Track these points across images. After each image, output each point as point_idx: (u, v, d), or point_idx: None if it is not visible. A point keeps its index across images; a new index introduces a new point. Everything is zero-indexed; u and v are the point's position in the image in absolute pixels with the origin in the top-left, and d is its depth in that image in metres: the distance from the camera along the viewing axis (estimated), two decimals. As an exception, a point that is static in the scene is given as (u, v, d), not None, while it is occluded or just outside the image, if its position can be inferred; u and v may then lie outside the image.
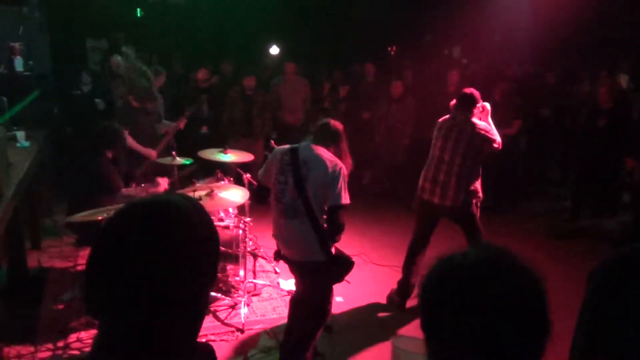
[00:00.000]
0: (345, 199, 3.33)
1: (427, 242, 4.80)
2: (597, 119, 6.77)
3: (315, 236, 3.33)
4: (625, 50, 9.19)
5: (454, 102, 4.72)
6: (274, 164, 3.50)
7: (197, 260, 1.06)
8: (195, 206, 1.12)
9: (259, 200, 3.87)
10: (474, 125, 4.52)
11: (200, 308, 1.11)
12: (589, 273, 1.65)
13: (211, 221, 1.15)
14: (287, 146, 3.54)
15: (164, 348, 1.02)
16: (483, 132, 4.51)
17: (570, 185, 8.03)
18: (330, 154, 3.42)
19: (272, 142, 4.85)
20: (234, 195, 4.63)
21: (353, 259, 3.52)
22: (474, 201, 4.62)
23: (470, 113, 4.58)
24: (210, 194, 4.45)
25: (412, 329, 4.33)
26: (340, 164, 3.38)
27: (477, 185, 4.63)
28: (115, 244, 1.02)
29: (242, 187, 4.87)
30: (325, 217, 3.38)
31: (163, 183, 4.75)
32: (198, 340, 1.15)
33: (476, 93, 4.65)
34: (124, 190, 4.56)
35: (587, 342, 1.56)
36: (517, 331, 1.03)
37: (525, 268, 1.09)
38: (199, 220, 1.10)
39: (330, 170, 3.31)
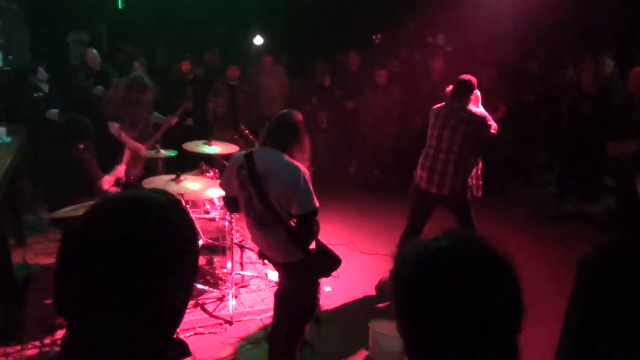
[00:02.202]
0: (311, 204, 3.12)
1: (421, 231, 4.78)
2: (580, 104, 6.80)
3: (290, 241, 3.21)
4: (611, 35, 9.21)
5: (450, 88, 4.67)
6: (231, 175, 3.32)
7: (171, 257, 1.02)
8: (170, 200, 1.08)
9: (230, 209, 3.75)
10: (471, 112, 4.49)
11: (177, 306, 1.07)
12: (578, 261, 1.64)
13: (188, 217, 1.11)
14: (241, 154, 3.33)
15: (136, 348, 0.98)
16: (481, 118, 4.49)
17: (555, 171, 8.08)
18: (288, 159, 3.18)
19: (242, 126, 4.78)
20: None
21: (340, 258, 3.42)
22: (468, 191, 4.62)
23: (466, 100, 4.54)
24: (192, 185, 4.40)
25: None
26: (301, 168, 3.14)
27: (472, 174, 4.63)
28: (84, 243, 0.98)
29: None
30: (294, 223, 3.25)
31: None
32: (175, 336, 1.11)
33: (473, 79, 4.59)
34: (105, 185, 4.52)
35: (582, 330, 1.55)
36: (487, 315, 1.03)
37: (494, 253, 1.09)
38: (174, 217, 1.06)
39: (290, 179, 3.09)
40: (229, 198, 3.49)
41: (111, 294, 0.96)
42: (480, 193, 4.75)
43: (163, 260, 1.01)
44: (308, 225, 3.16)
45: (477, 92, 4.64)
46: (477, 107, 4.62)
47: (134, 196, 1.06)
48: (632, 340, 1.49)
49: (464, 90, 4.55)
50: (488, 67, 7.65)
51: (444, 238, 1.12)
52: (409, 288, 1.10)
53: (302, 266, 3.30)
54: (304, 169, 3.16)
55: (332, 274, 3.45)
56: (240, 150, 5.30)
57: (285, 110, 3.40)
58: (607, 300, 1.53)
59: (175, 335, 1.11)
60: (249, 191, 3.20)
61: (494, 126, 4.56)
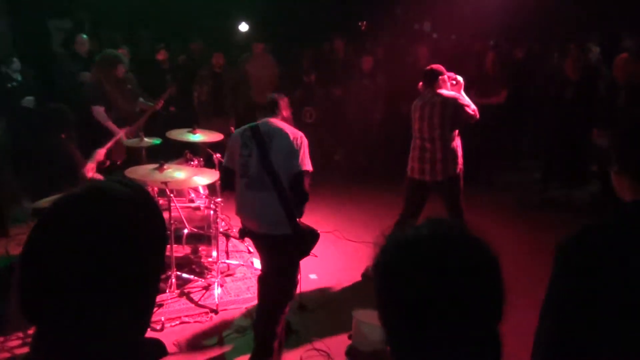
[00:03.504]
0: (308, 165, 3.38)
1: (416, 220, 4.76)
2: (564, 90, 6.82)
3: (282, 209, 3.31)
4: (597, 22, 9.23)
5: (420, 82, 4.74)
6: (236, 142, 3.49)
7: (136, 254, 0.98)
8: (139, 193, 1.04)
9: (225, 184, 3.81)
10: (441, 95, 4.55)
11: (144, 303, 1.04)
12: (555, 246, 1.64)
13: (158, 212, 1.07)
14: (245, 126, 3.55)
15: (104, 348, 0.95)
16: (452, 98, 4.52)
17: (540, 157, 8.12)
18: (289, 126, 3.50)
19: (232, 128, 4.78)
20: (204, 175, 4.55)
21: (318, 231, 3.49)
22: (460, 171, 4.65)
23: (434, 86, 4.61)
24: (177, 174, 4.34)
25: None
26: (300, 133, 3.45)
27: (460, 155, 4.65)
28: (46, 241, 0.94)
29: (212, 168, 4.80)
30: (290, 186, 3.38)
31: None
32: (147, 335, 1.07)
33: (437, 66, 4.69)
34: (90, 175, 4.46)
35: (559, 315, 1.56)
36: (466, 303, 1.01)
37: (476, 241, 1.07)
38: (141, 213, 1.02)
39: (292, 138, 3.37)
40: (228, 171, 3.56)
41: (75, 295, 0.93)
42: (461, 167, 4.77)
43: (128, 258, 0.97)
44: (302, 183, 3.35)
45: (460, 79, 4.68)
46: (454, 92, 4.64)
47: (100, 191, 1.02)
48: (609, 323, 1.49)
49: (431, 78, 4.64)
50: (483, 52, 7.70)
51: (424, 226, 1.10)
52: (388, 277, 1.08)
53: (288, 243, 3.35)
54: (302, 134, 3.47)
55: (312, 251, 3.50)
56: (225, 138, 5.27)
57: (273, 95, 3.74)
58: (584, 284, 1.53)
59: (159, 327, 1.08)
60: (249, 149, 3.38)
61: (472, 107, 4.57)
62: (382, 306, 1.10)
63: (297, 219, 3.38)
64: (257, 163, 3.34)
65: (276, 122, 3.50)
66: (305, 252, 3.48)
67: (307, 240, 3.42)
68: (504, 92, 7.42)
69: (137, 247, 0.99)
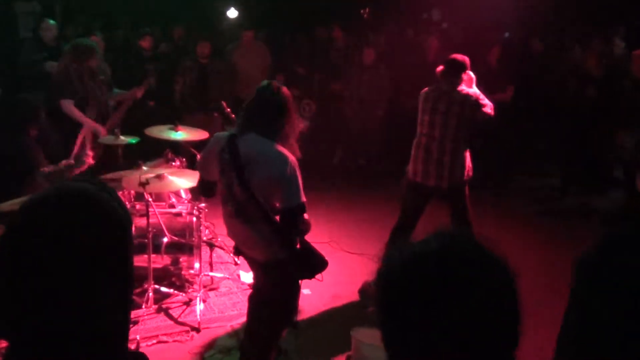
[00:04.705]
0: (300, 198, 3.10)
1: (414, 228, 4.79)
2: (585, 87, 6.85)
3: (274, 238, 3.18)
4: (621, 15, 9.27)
5: (440, 68, 4.69)
6: (213, 157, 3.27)
7: (112, 261, 1.00)
8: (113, 196, 1.06)
9: (206, 194, 3.71)
10: (461, 93, 4.53)
11: (121, 313, 1.05)
12: (575, 260, 1.64)
13: (127, 214, 1.10)
14: (224, 135, 3.30)
15: None
16: (474, 98, 4.52)
17: (559, 161, 8.14)
18: (276, 147, 3.13)
19: (224, 103, 4.71)
20: (186, 177, 4.54)
21: (326, 259, 3.39)
22: (467, 179, 4.67)
23: (457, 81, 4.58)
24: (159, 177, 4.34)
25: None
26: (289, 157, 3.11)
27: (469, 160, 4.67)
28: (16, 250, 0.96)
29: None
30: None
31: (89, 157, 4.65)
32: (130, 348, 1.10)
33: (465, 59, 4.64)
34: (42, 169, 4.46)
35: (580, 334, 1.56)
36: (480, 326, 1.02)
37: (490, 257, 1.09)
38: (115, 216, 1.04)
39: (276, 169, 3.07)
40: (205, 182, 3.46)
41: (47, 306, 0.95)
42: (471, 174, 4.77)
43: (106, 265, 1.00)
44: (292, 222, 3.13)
45: (471, 73, 4.69)
46: (471, 88, 4.66)
47: (68, 191, 1.03)
48: (632, 343, 1.50)
49: (455, 71, 4.60)
50: (492, 45, 7.72)
51: (434, 240, 1.11)
52: (394, 296, 1.09)
53: (284, 267, 3.27)
54: (292, 158, 3.13)
55: (317, 276, 3.43)
56: (211, 135, 5.26)
57: (266, 83, 3.31)
58: (606, 302, 1.53)
59: (133, 347, 1.11)
60: (230, 178, 3.16)
61: (489, 105, 4.59)
62: (385, 325, 1.10)
63: (303, 238, 3.29)
64: (239, 194, 3.14)
65: (261, 141, 3.15)
66: (307, 276, 3.42)
67: (309, 263, 3.32)
68: (510, 88, 7.41)
69: (110, 250, 1.01)
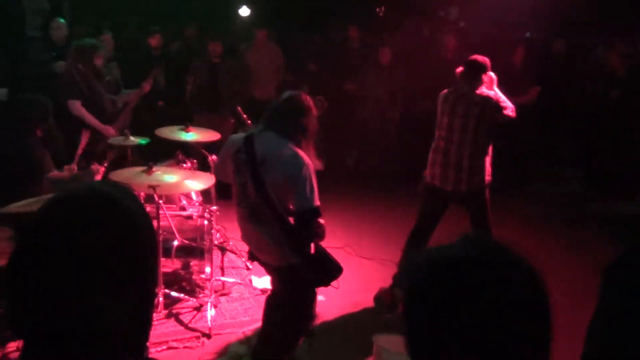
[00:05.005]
0: (313, 202, 3.14)
1: (432, 233, 4.78)
2: (609, 89, 6.81)
3: (287, 241, 3.22)
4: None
5: (460, 69, 4.68)
6: (229, 160, 3.37)
7: (135, 263, 1.01)
8: (132, 199, 1.06)
9: (221, 196, 3.80)
10: (481, 96, 4.51)
11: (143, 318, 1.05)
12: (603, 269, 1.62)
13: (148, 216, 1.11)
14: (240, 137, 3.40)
15: None
16: (494, 101, 4.50)
17: (582, 165, 8.08)
18: (292, 148, 3.21)
19: (240, 109, 4.73)
20: (198, 179, 4.56)
21: (341, 266, 3.43)
22: (488, 190, 4.64)
23: (477, 82, 4.56)
24: (169, 179, 4.36)
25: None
26: (305, 159, 3.18)
27: (488, 164, 4.64)
28: (36, 251, 0.96)
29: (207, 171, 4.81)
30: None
31: (98, 172, 4.67)
32: (149, 355, 1.10)
33: (485, 60, 4.62)
34: (51, 174, 4.49)
35: (607, 345, 1.54)
36: (512, 334, 1.02)
37: (521, 263, 1.08)
38: (137, 219, 1.04)
39: (291, 170, 3.14)
40: (221, 184, 3.53)
41: (71, 308, 0.96)
42: (489, 178, 4.75)
43: (128, 264, 1.01)
44: (306, 225, 3.17)
45: (492, 74, 4.66)
46: (491, 90, 4.63)
47: (93, 194, 1.04)
48: None
49: (475, 72, 4.58)
50: (513, 46, 7.69)
51: (461, 245, 1.10)
52: (422, 303, 1.08)
53: (297, 272, 3.29)
54: (308, 160, 3.20)
55: (332, 283, 3.44)
56: (223, 136, 5.28)
57: (288, 95, 3.43)
58: (634, 310, 1.52)
59: (147, 354, 1.11)
60: (244, 178, 3.24)
61: (510, 107, 4.57)
62: (412, 334, 1.10)
63: (318, 244, 3.32)
64: (253, 195, 3.23)
65: (278, 141, 3.24)
66: (322, 283, 3.45)
67: (323, 270, 3.36)
68: (534, 90, 7.39)
69: (136, 252, 1.01)
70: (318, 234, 3.23)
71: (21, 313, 0.98)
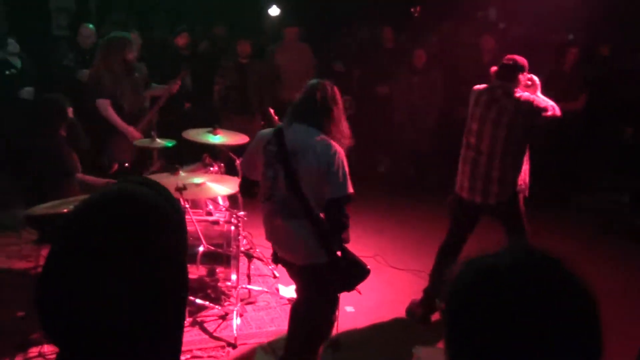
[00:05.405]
0: (347, 188, 3.26)
1: (463, 245, 4.71)
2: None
3: (316, 238, 3.28)
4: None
5: (494, 68, 4.56)
6: (258, 154, 3.44)
7: (170, 269, 1.02)
8: (170, 202, 1.08)
9: (247, 194, 3.84)
10: (513, 99, 4.34)
11: (177, 326, 1.07)
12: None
13: (184, 221, 1.13)
14: (269, 131, 3.49)
15: None
16: (528, 104, 4.35)
17: (627, 174, 7.95)
18: (322, 137, 3.31)
19: (272, 110, 4.77)
20: (225, 184, 4.59)
21: (368, 267, 3.47)
22: (521, 195, 4.55)
23: (513, 84, 4.39)
24: (196, 183, 4.40)
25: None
26: (336, 147, 3.29)
27: (524, 173, 4.55)
28: (72, 254, 0.98)
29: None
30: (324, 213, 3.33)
31: None
32: None
33: (521, 60, 4.47)
34: (79, 175, 4.56)
35: None
36: (559, 345, 1.00)
37: (571, 274, 1.07)
38: (173, 222, 1.05)
39: (324, 159, 3.23)
40: (247, 181, 3.61)
41: (108, 316, 0.97)
42: (527, 192, 4.66)
43: (165, 272, 1.02)
44: (338, 213, 3.25)
45: (536, 78, 4.53)
46: (535, 95, 4.48)
47: (133, 197, 1.06)
48: None
49: (509, 72, 4.42)
50: (564, 49, 7.60)
51: (507, 254, 1.09)
52: (467, 312, 1.07)
53: (322, 273, 3.34)
54: (339, 148, 3.30)
55: (356, 287, 3.47)
56: (252, 139, 5.31)
57: (315, 81, 3.52)
58: None
59: None
60: (275, 170, 3.32)
61: (550, 106, 4.39)
62: (453, 342, 1.09)
63: (344, 246, 3.36)
64: (284, 187, 3.30)
65: (307, 131, 3.35)
66: (347, 287, 3.47)
67: (349, 272, 3.40)
68: (583, 96, 7.31)
69: (172, 255, 1.02)
70: (343, 222, 3.29)
71: (55, 318, 1.00)
